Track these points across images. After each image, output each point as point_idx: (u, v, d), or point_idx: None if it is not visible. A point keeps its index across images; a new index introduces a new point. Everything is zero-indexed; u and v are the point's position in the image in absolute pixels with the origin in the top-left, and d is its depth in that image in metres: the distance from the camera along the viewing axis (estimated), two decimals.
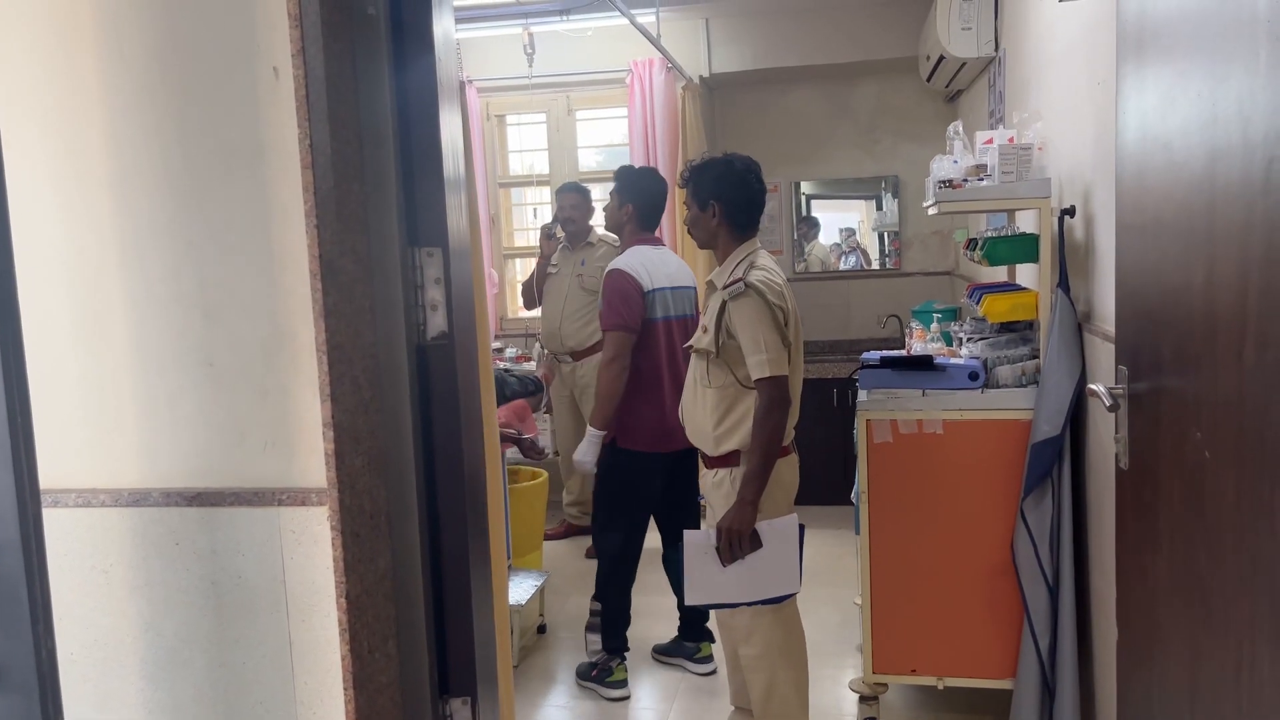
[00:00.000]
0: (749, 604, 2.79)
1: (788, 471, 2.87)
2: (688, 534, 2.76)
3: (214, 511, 1.28)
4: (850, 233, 6.42)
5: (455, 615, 1.44)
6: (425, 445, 1.42)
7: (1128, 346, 1.88)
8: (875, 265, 6.36)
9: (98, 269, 1.25)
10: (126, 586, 1.30)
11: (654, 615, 4.10)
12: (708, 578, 2.73)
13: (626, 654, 3.64)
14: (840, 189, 6.43)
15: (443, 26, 1.45)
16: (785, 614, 2.89)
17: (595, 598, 3.63)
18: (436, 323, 1.40)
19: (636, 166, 3.93)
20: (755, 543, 2.71)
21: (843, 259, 6.39)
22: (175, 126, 1.24)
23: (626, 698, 3.55)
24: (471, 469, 1.53)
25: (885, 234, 6.32)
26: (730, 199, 2.84)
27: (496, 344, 5.99)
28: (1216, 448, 1.46)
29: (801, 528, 2.79)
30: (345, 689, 1.25)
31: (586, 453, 3.48)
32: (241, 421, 1.28)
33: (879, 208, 6.32)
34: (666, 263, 3.60)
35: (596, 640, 3.61)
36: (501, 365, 5.23)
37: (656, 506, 3.59)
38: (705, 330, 2.83)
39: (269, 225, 1.24)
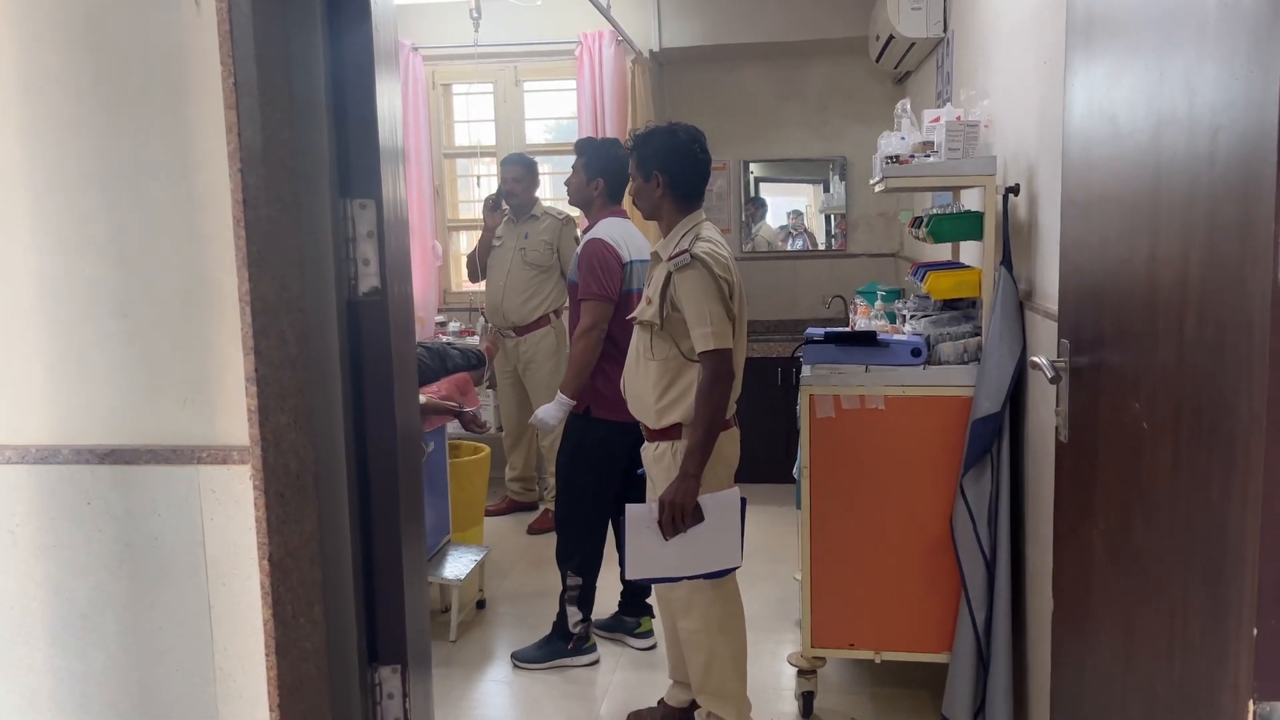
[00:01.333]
0: (690, 578, 2.77)
1: (729, 445, 2.84)
2: (630, 507, 2.72)
3: (128, 470, 1.22)
4: (798, 215, 6.42)
5: (386, 580, 1.40)
6: (356, 403, 1.37)
7: (1070, 321, 1.89)
8: (822, 247, 6.37)
9: (2, 217, 1.18)
10: (34, 548, 1.24)
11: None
12: (648, 552, 2.70)
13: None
14: (788, 172, 6.43)
15: None
16: (725, 589, 2.87)
17: (575, 571, 3.55)
18: (369, 278, 1.35)
19: (604, 139, 3.87)
20: (697, 516, 2.68)
21: (789, 241, 6.40)
22: (88, 63, 1.17)
23: (598, 660, 3.61)
24: (406, 428, 1.48)
25: (832, 216, 6.33)
26: (674, 169, 2.79)
27: (440, 317, 5.90)
28: (1155, 420, 1.47)
29: (743, 501, 2.77)
30: (267, 655, 1.20)
31: (553, 414, 3.44)
32: (158, 375, 1.21)
33: (826, 190, 6.33)
34: (634, 235, 3.59)
35: (578, 613, 3.56)
36: (444, 339, 5.15)
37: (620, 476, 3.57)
38: (649, 302, 2.79)
39: (189, 168, 1.18)
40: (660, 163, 2.80)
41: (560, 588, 3.61)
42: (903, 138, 3.04)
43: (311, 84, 1.25)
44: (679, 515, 2.65)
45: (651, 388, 2.81)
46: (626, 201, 5.06)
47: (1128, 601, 1.60)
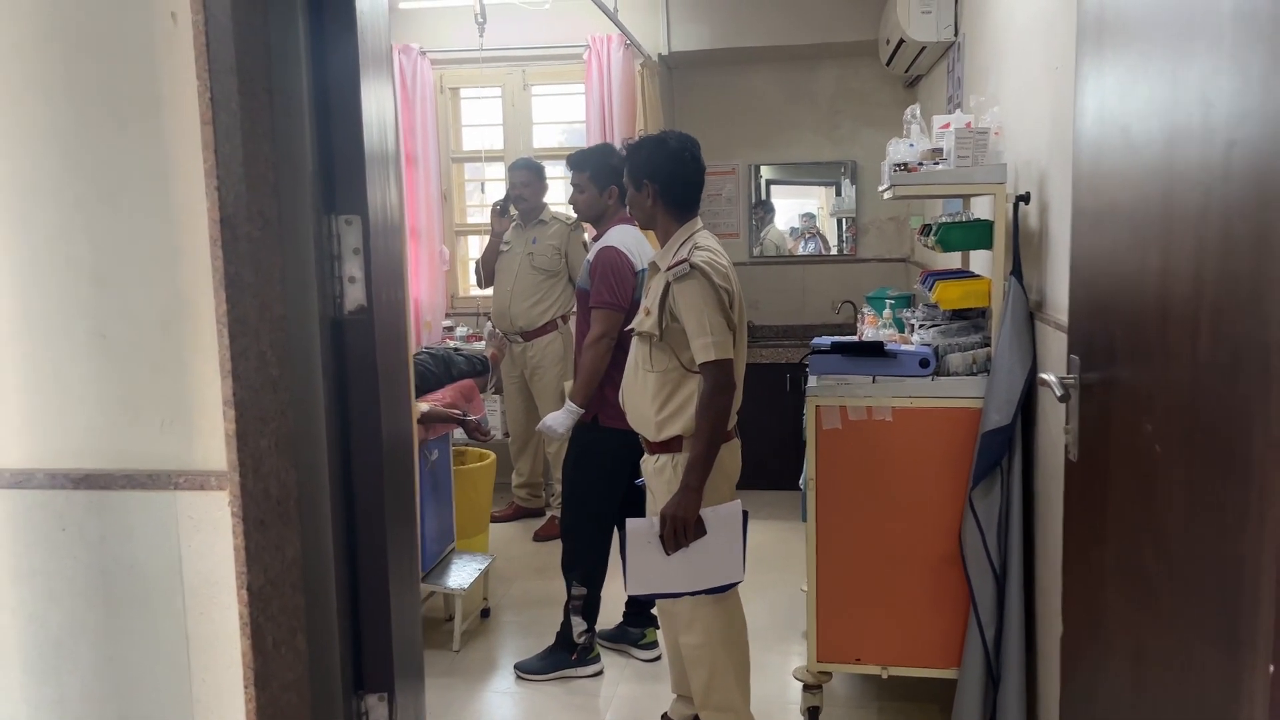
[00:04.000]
0: (693, 594, 2.72)
1: (730, 457, 2.78)
2: (630, 522, 2.67)
3: (104, 495, 1.18)
4: (810, 218, 6.37)
5: (371, 606, 1.36)
6: (342, 426, 1.33)
7: (1080, 336, 1.84)
8: (833, 251, 6.32)
9: None
10: (8, 574, 1.20)
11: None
12: (650, 567, 2.66)
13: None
14: (800, 174, 6.38)
15: None
16: (727, 603, 2.83)
17: (580, 581, 3.51)
18: (354, 296, 1.31)
19: (597, 146, 3.78)
20: (699, 530, 2.63)
21: (802, 244, 6.34)
22: (64, 76, 1.13)
23: (602, 671, 3.55)
24: (394, 450, 1.45)
25: (843, 220, 6.28)
26: (664, 178, 2.75)
27: (447, 322, 5.87)
28: (1167, 441, 1.42)
29: (745, 514, 2.71)
30: (246, 686, 1.17)
31: (561, 421, 3.40)
32: (136, 398, 1.18)
33: (838, 194, 6.28)
34: (644, 243, 3.54)
35: (583, 623, 3.52)
36: (451, 344, 5.12)
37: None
38: (648, 313, 2.73)
39: (167, 185, 1.15)
40: (649, 171, 2.76)
41: (565, 597, 3.57)
42: (911, 144, 2.99)
43: (294, 96, 1.21)
44: (680, 529, 2.60)
45: (651, 400, 2.76)
46: None
47: (1139, 629, 1.55)
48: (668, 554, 2.63)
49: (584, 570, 3.51)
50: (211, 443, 1.15)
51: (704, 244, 2.72)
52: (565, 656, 3.53)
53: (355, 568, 1.35)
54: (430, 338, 5.89)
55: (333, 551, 1.31)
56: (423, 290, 5.97)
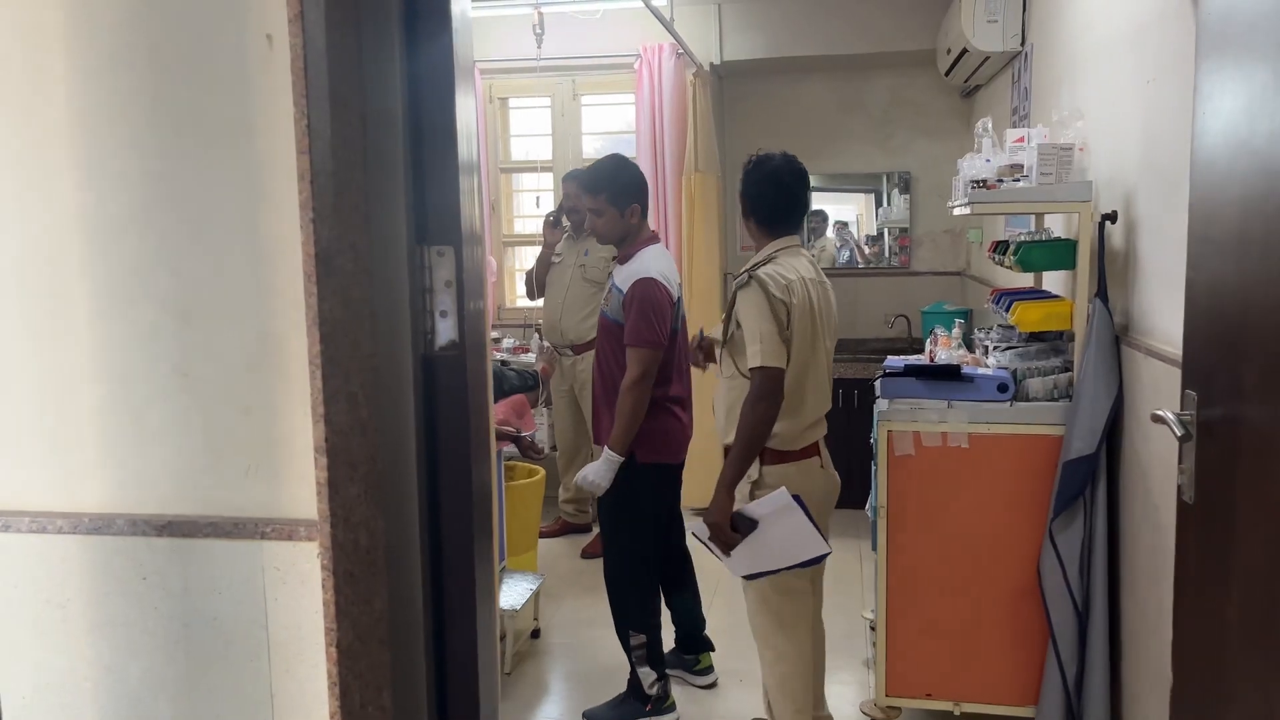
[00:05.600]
0: (787, 568, 2.71)
1: (800, 477, 2.70)
2: (692, 525, 2.80)
3: (187, 543, 1.11)
4: (843, 225, 6.25)
5: (458, 661, 1.28)
6: (430, 470, 1.25)
7: (1198, 371, 1.73)
8: (882, 263, 6.20)
9: (54, 263, 1.08)
10: (86, 624, 1.14)
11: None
12: (730, 558, 2.72)
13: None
14: (836, 182, 6.26)
15: (461, 1, 1.28)
16: (791, 590, 2.79)
17: (638, 629, 3.28)
18: (446, 331, 1.24)
19: (608, 160, 3.36)
20: (750, 525, 2.64)
21: (838, 253, 6.23)
22: (150, 101, 1.07)
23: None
24: (481, 495, 1.37)
25: (889, 230, 6.16)
26: (754, 196, 2.85)
27: (494, 333, 5.82)
28: None
29: (797, 498, 2.62)
30: None
31: (603, 475, 3.15)
32: (220, 441, 1.11)
33: (879, 203, 6.16)
34: (671, 259, 3.37)
35: (652, 674, 3.28)
36: (499, 357, 5.07)
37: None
38: (722, 320, 2.86)
39: (257, 217, 1.08)
40: (744, 189, 2.88)
41: (623, 648, 3.35)
42: (987, 160, 2.88)
43: (388, 120, 1.14)
44: (719, 532, 2.65)
45: (721, 406, 2.81)
46: (689, 224, 4.86)
47: (1269, 689, 1.44)
48: (726, 554, 2.68)
49: (637, 616, 3.30)
50: (300, 490, 1.08)
51: (780, 259, 2.76)
52: (639, 707, 3.31)
53: (441, 619, 1.27)
54: None
55: (421, 604, 1.23)
56: None
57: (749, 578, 2.76)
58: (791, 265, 2.74)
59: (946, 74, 5.17)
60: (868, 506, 3.22)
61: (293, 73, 1.02)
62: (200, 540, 1.11)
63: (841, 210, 6.27)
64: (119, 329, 1.10)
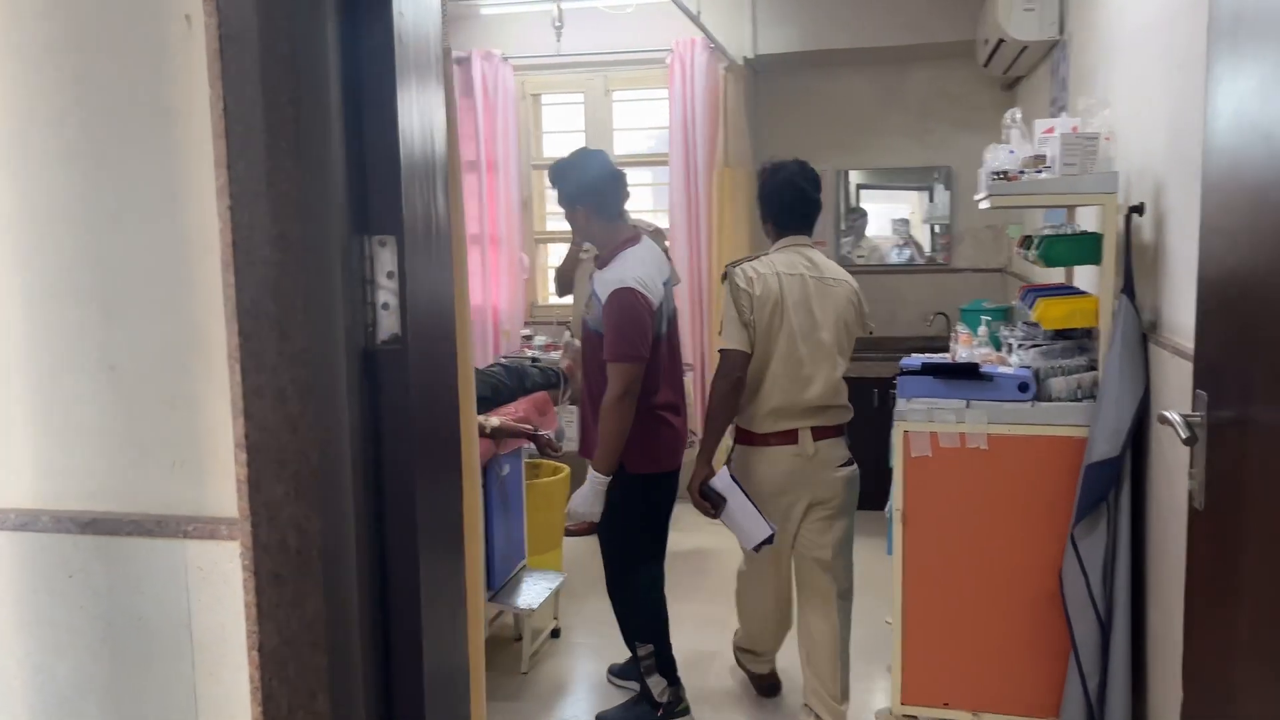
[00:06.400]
0: (769, 539, 2.95)
1: (761, 462, 3.02)
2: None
3: (111, 541, 1.08)
4: (904, 224, 6.11)
5: (403, 663, 1.24)
6: (374, 467, 1.21)
7: (1209, 369, 1.63)
8: (925, 260, 6.07)
9: None
10: (14, 621, 1.12)
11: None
12: (733, 531, 3.05)
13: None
14: (891, 178, 6.12)
15: None
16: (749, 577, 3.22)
17: (641, 639, 3.21)
18: (388, 324, 1.19)
19: (563, 159, 3.22)
20: (719, 499, 2.98)
21: (896, 252, 6.08)
22: (73, 89, 1.04)
23: None
24: (436, 490, 1.33)
25: (934, 226, 6.02)
26: (767, 200, 3.15)
27: (526, 331, 5.80)
28: None
29: (733, 478, 2.98)
30: None
31: (590, 503, 3.05)
32: (146, 437, 1.08)
33: (931, 200, 6.02)
34: (657, 258, 3.15)
35: (661, 681, 3.21)
36: (529, 354, 5.04)
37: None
38: None
39: (178, 206, 1.04)
40: (760, 194, 3.19)
41: (632, 659, 3.28)
42: (1011, 151, 2.78)
43: (322, 106, 1.10)
44: (694, 500, 3.02)
45: None
46: (719, 219, 4.73)
47: (1278, 703, 1.34)
48: (715, 518, 3.02)
49: (643, 628, 3.22)
50: (224, 487, 1.05)
51: (768, 257, 3.06)
52: (651, 713, 3.24)
53: (387, 621, 1.23)
54: (509, 346, 5.83)
55: (360, 606, 1.19)
56: (502, 299, 5.91)
57: (757, 547, 2.99)
58: (774, 260, 3.01)
59: (985, 65, 5.04)
60: (886, 509, 3.13)
61: (208, 54, 0.98)
62: (124, 538, 1.08)
63: (897, 208, 6.12)
64: (45, 323, 1.08)
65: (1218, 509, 1.56)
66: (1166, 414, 1.62)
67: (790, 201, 3.08)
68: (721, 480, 2.98)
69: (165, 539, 1.07)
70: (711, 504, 2.98)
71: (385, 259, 1.19)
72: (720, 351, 2.97)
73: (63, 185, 1.06)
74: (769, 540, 2.94)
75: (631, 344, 2.91)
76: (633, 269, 2.99)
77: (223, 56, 0.98)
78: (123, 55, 1.03)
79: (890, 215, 6.15)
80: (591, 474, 3.05)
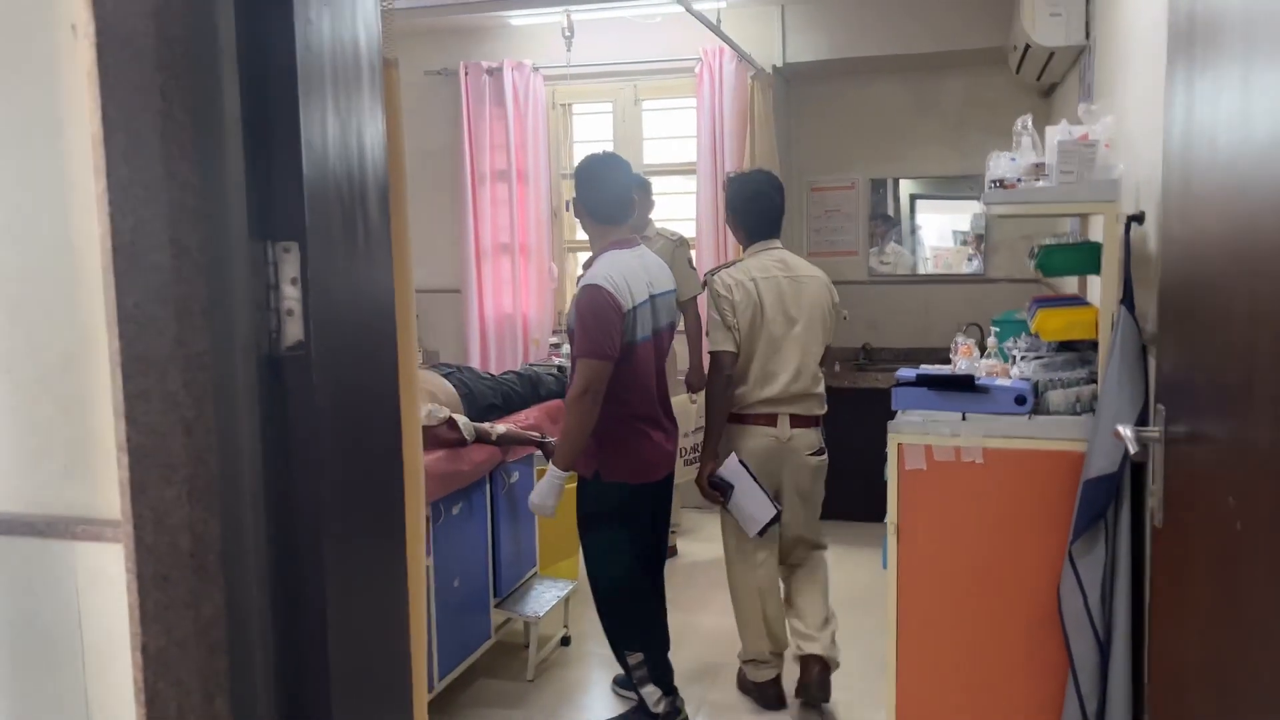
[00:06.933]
0: (773, 522, 3.29)
1: (743, 437, 3.32)
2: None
3: (8, 541, 1.10)
4: (965, 236, 5.97)
5: (309, 667, 1.24)
6: (282, 472, 1.22)
7: (1166, 381, 1.57)
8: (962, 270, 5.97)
9: None
10: None
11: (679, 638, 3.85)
12: (738, 518, 3.32)
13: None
14: (944, 188, 5.99)
15: None
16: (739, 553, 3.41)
17: (629, 648, 3.18)
18: (292, 330, 1.20)
19: (584, 159, 3.30)
20: (727, 486, 3.26)
21: (968, 262, 5.95)
22: None
23: None
24: (356, 494, 1.33)
25: (967, 236, 5.92)
26: (737, 210, 3.47)
27: (554, 339, 5.83)
28: (1250, 519, 1.16)
29: (742, 463, 3.25)
30: None
31: (546, 495, 3.09)
32: (41, 440, 1.10)
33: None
34: (648, 267, 3.13)
35: (656, 691, 3.18)
36: (556, 361, 5.05)
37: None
38: None
39: (68, 214, 1.06)
40: (727, 201, 3.54)
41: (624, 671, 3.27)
42: (1013, 159, 2.71)
43: (219, 114, 1.11)
44: (702, 489, 3.33)
45: None
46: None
47: None
48: (724, 506, 3.33)
49: (632, 635, 3.19)
50: (112, 490, 1.06)
51: (744, 263, 3.38)
52: None
53: (294, 624, 1.23)
54: (537, 354, 5.86)
55: (265, 610, 1.20)
56: (531, 307, 5.95)
57: (761, 531, 3.29)
58: (748, 266, 3.33)
59: (1016, 71, 4.94)
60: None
61: (87, 62, 1.00)
62: (17, 539, 1.10)
63: (956, 219, 6.01)
64: None
65: (1173, 528, 1.50)
66: (1120, 428, 1.56)
67: (763, 210, 3.42)
68: (730, 466, 3.24)
69: (55, 540, 1.09)
70: (721, 493, 3.27)
71: (289, 265, 1.19)
72: (710, 354, 3.29)
73: None
74: (775, 520, 3.26)
75: (594, 341, 2.92)
76: (603, 269, 3.01)
77: (100, 65, 1.00)
78: (12, 67, 1.05)
79: (952, 226, 6.02)
80: (550, 467, 3.10)
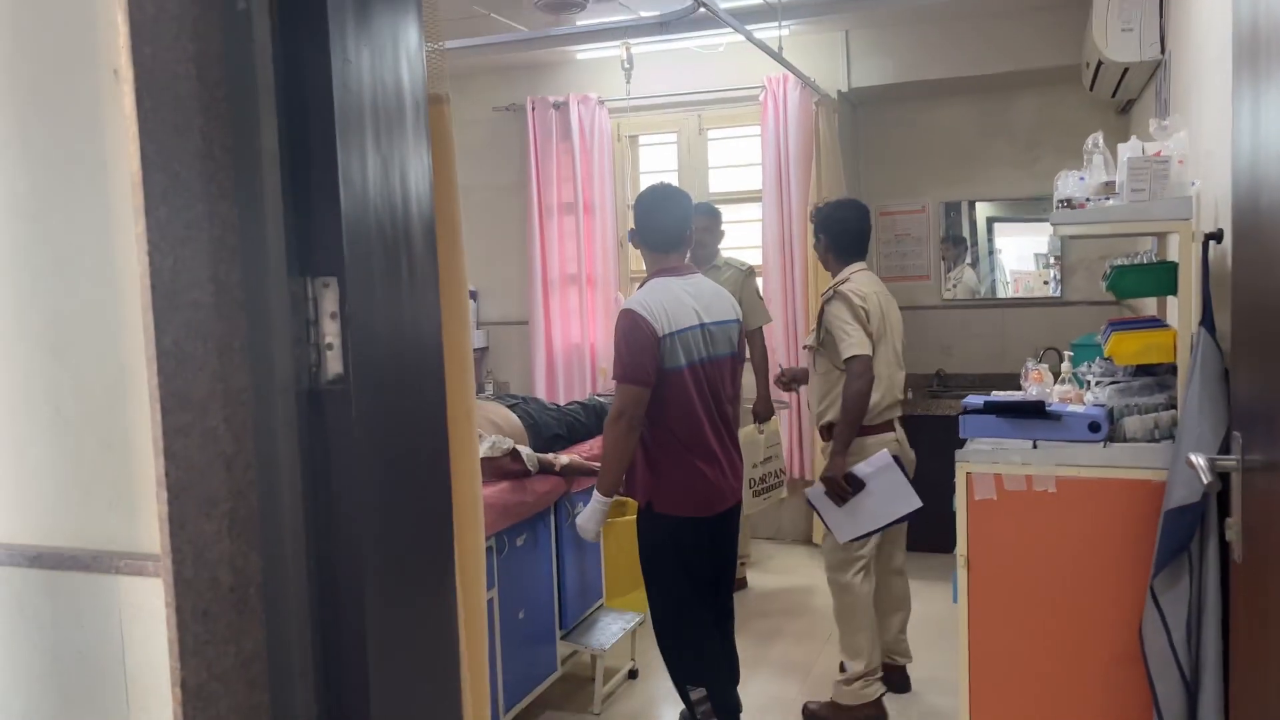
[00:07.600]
0: (885, 527, 3.45)
1: (878, 448, 3.43)
2: (809, 490, 3.54)
3: (55, 575, 1.13)
4: (1047, 259, 5.83)
5: (351, 702, 1.24)
6: (323, 506, 1.22)
7: (1244, 408, 1.49)
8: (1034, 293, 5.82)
9: None
10: None
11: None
12: (840, 519, 3.42)
13: None
14: (1023, 210, 5.85)
15: (363, 16, 1.26)
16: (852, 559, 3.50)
17: (692, 683, 3.14)
18: (332, 364, 1.21)
19: (644, 190, 3.37)
20: (859, 484, 3.36)
21: (1044, 285, 5.81)
22: (18, 140, 1.10)
23: None
24: (400, 529, 1.33)
25: (1044, 258, 5.78)
26: (830, 232, 3.70)
27: None
28: None
29: (896, 459, 3.40)
30: None
31: (589, 519, 3.12)
32: (87, 475, 1.12)
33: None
34: (700, 296, 3.10)
35: None
36: None
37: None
38: (811, 330, 3.72)
39: (112, 253, 1.09)
40: (823, 227, 3.74)
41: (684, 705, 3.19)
42: (1081, 177, 2.63)
43: (259, 153, 1.13)
44: (834, 487, 3.39)
45: (815, 396, 3.62)
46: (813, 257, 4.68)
47: None
48: (840, 507, 3.39)
49: (694, 669, 3.13)
50: (153, 525, 1.07)
51: (854, 278, 3.57)
52: None
53: (331, 660, 1.23)
54: (605, 384, 5.87)
55: (308, 645, 1.20)
56: (598, 337, 5.96)
57: (856, 539, 3.42)
58: (862, 281, 3.55)
59: (1090, 88, 4.82)
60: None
61: (129, 106, 1.02)
62: (64, 573, 1.12)
63: (1038, 242, 5.87)
64: (2, 367, 1.13)
65: (1256, 562, 1.42)
66: (1193, 457, 1.48)
67: (860, 232, 3.69)
68: (877, 461, 3.38)
69: (100, 574, 1.11)
70: (853, 489, 3.38)
71: (329, 300, 1.20)
72: (854, 358, 3.36)
73: (9, 235, 1.11)
74: (913, 512, 3.40)
75: (627, 366, 2.96)
76: (644, 295, 3.05)
77: (139, 108, 1.02)
78: (59, 107, 1.08)
79: (1033, 249, 5.89)
80: (595, 494, 3.12)
